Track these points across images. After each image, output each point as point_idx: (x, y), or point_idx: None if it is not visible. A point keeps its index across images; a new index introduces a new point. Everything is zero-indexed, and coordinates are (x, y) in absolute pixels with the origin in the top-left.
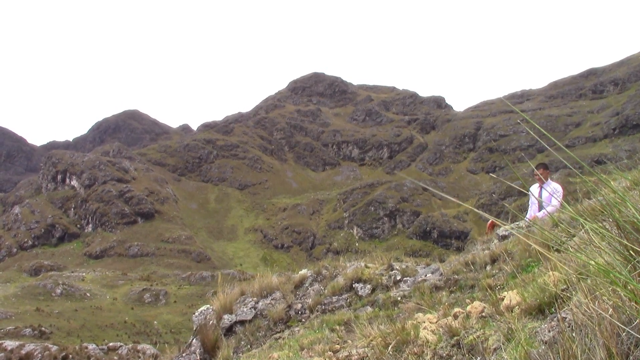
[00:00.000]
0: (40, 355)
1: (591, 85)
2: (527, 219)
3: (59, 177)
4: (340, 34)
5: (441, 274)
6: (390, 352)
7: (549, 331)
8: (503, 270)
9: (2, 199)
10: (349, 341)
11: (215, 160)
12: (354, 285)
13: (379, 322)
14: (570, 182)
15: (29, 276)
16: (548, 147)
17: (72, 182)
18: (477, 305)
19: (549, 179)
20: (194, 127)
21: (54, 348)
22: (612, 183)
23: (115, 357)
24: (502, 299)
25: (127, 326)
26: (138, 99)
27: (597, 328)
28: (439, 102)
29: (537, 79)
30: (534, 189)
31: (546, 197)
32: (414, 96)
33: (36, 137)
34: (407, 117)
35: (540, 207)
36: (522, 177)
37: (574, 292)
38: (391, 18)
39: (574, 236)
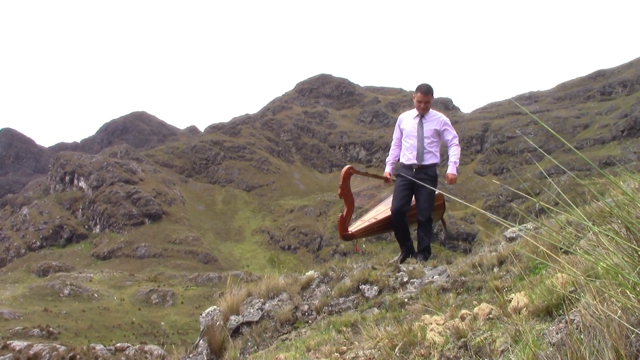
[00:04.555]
0: (48, 355)
1: (599, 86)
2: (391, 170)
3: (67, 178)
4: (348, 35)
5: (448, 276)
6: (397, 354)
7: (557, 333)
8: (510, 272)
9: (11, 200)
10: (356, 342)
11: (222, 161)
12: (360, 287)
13: (386, 324)
14: (579, 184)
15: (37, 277)
16: (545, 154)
17: (80, 184)
18: (485, 307)
19: (429, 109)
20: (202, 128)
21: (62, 348)
22: (621, 184)
23: (123, 358)
24: (510, 301)
25: (134, 327)
26: (145, 100)
27: (605, 330)
28: (446, 104)
29: (545, 81)
30: (409, 119)
31: (429, 133)
32: None
33: (44, 138)
34: None
35: (421, 148)
36: (531, 179)
37: (582, 294)
38: (398, 20)
39: (582, 238)
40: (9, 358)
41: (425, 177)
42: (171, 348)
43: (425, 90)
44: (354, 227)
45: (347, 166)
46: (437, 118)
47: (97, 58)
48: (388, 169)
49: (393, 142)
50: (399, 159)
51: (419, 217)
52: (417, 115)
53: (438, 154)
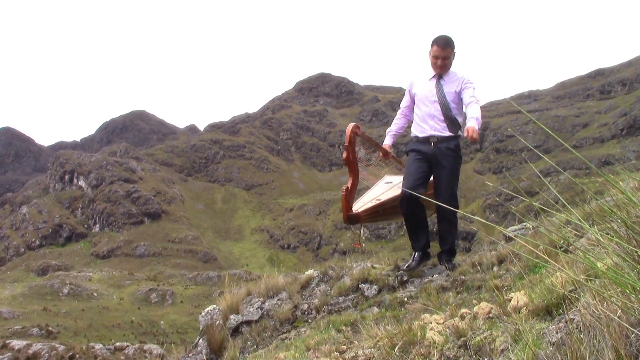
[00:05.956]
0: (47, 354)
1: (599, 85)
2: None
3: (67, 177)
4: (347, 34)
5: (448, 275)
6: (397, 353)
7: (557, 332)
8: (510, 271)
9: (10, 199)
10: (356, 342)
11: (222, 160)
12: (360, 286)
13: (386, 323)
14: (578, 184)
15: (37, 276)
16: (541, 155)
17: (79, 182)
18: (484, 306)
19: (449, 68)
20: (201, 127)
21: (61, 348)
22: (620, 184)
23: (122, 357)
24: (510, 300)
25: (133, 326)
26: (145, 99)
27: (605, 330)
28: None
29: (545, 80)
30: (423, 82)
31: (451, 97)
32: None
33: (44, 137)
34: None
35: (447, 113)
36: (530, 177)
37: (582, 294)
38: (398, 19)
39: (582, 237)
40: (7, 357)
41: (447, 153)
42: (170, 347)
43: (444, 43)
44: (357, 208)
45: (353, 124)
46: (458, 78)
47: (97, 57)
48: (388, 141)
49: (399, 112)
50: (401, 132)
51: (441, 204)
52: (434, 76)
53: (461, 125)
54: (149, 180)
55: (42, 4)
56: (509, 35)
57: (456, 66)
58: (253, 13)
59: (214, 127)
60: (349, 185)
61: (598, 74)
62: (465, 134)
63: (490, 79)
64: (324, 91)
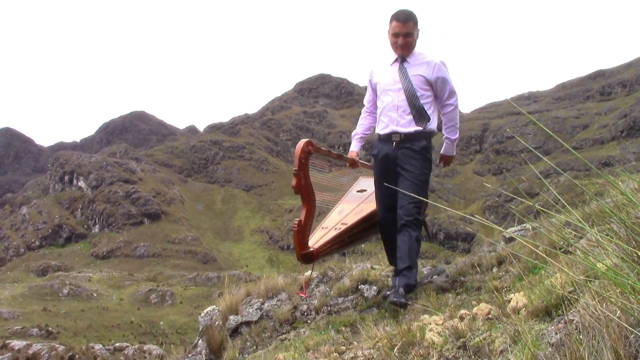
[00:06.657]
0: (47, 355)
1: (599, 87)
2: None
3: (66, 178)
4: (347, 35)
5: (447, 276)
6: (396, 354)
7: (556, 333)
8: (509, 272)
9: (10, 200)
10: (355, 342)
11: (221, 161)
12: (359, 287)
13: (385, 324)
14: (579, 185)
15: (36, 276)
16: (542, 156)
17: (79, 183)
18: (484, 307)
19: (413, 48)
20: (201, 128)
21: (61, 348)
22: (619, 185)
23: (122, 358)
24: (509, 301)
25: (133, 327)
26: (145, 100)
27: (604, 330)
28: None
29: (544, 81)
30: (384, 68)
31: (418, 82)
32: None
33: (44, 138)
34: None
35: (414, 102)
36: (530, 179)
37: (581, 294)
38: None
39: (581, 237)
40: (7, 357)
41: (410, 155)
42: (170, 348)
43: (404, 17)
44: (315, 241)
45: (304, 140)
46: (426, 61)
47: (97, 58)
48: (355, 147)
49: (363, 110)
50: (369, 133)
51: (398, 216)
52: (396, 59)
53: (434, 116)
54: (148, 181)
55: (42, 4)
56: (509, 36)
57: (422, 46)
58: (252, 14)
59: (213, 128)
60: (302, 217)
61: (598, 75)
62: (439, 161)
63: (490, 79)
64: (324, 92)
